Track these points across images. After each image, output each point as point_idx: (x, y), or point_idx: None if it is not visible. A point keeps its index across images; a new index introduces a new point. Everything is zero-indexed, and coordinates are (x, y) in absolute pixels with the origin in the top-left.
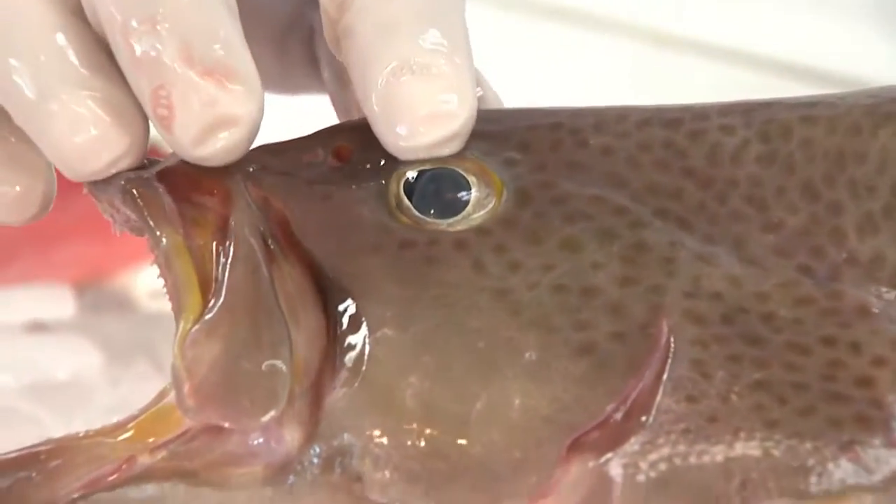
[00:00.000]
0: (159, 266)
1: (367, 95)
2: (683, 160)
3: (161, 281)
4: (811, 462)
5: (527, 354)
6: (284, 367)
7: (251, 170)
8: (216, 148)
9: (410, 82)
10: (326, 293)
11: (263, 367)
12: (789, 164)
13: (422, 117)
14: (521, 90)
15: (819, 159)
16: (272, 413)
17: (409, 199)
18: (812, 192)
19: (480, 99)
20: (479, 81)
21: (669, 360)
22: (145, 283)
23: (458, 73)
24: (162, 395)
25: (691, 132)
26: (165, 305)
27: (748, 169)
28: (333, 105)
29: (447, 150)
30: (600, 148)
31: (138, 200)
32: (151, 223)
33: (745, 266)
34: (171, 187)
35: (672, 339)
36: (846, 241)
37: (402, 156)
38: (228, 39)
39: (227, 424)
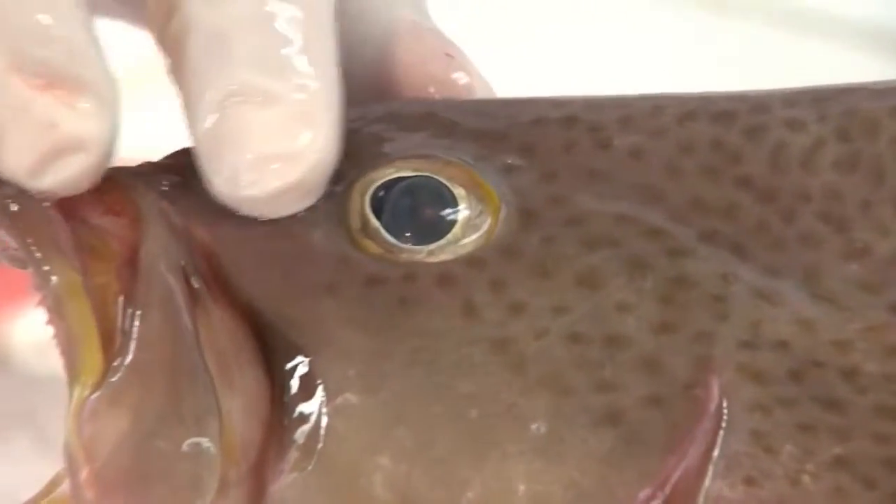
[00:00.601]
0: (47, 310)
1: (192, 131)
2: (738, 166)
3: (48, 330)
4: None
5: (533, 426)
6: (212, 447)
7: (168, 184)
8: (57, 179)
9: (240, 113)
10: (269, 347)
11: (184, 446)
12: (878, 170)
13: (248, 160)
14: (531, 74)
15: None
16: None
17: (378, 218)
18: None
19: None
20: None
21: (721, 432)
22: (26, 333)
23: (310, 99)
24: (53, 483)
25: (748, 128)
26: (54, 363)
27: (823, 177)
28: None
29: (288, 207)
30: (628, 150)
31: (19, 222)
32: (37, 253)
33: (819, 305)
34: (63, 205)
35: (724, 404)
36: None
37: (234, 209)
38: (71, 38)
39: None
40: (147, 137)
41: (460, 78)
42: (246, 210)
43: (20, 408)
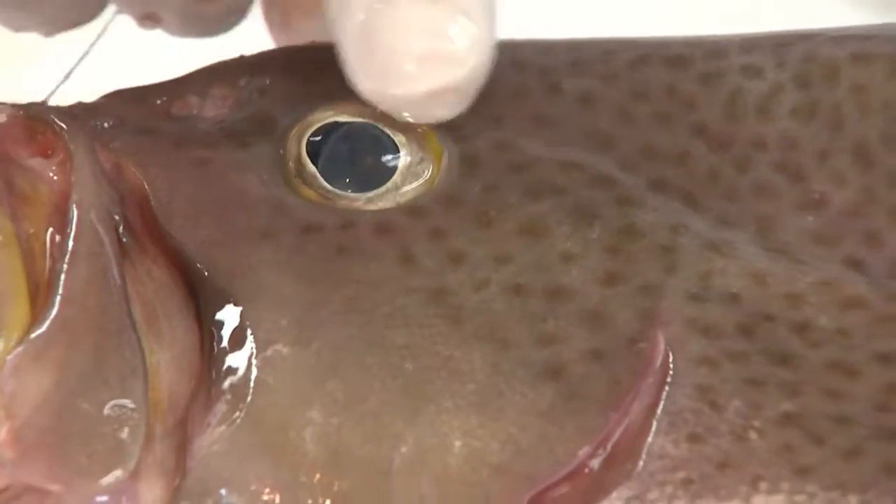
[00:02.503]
0: None
1: (343, 24)
2: (692, 112)
3: None
4: None
5: (470, 379)
6: (136, 409)
7: (100, 125)
8: None
9: (402, 5)
10: (199, 296)
11: (108, 408)
12: (836, 118)
13: (415, 56)
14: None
15: (876, 112)
16: (117, 473)
17: (315, 163)
18: (866, 156)
19: None
20: None
21: (666, 387)
22: None
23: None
24: None
25: (703, 74)
26: None
27: (780, 125)
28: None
29: (441, 112)
30: (578, 95)
31: None
32: None
33: (772, 258)
34: None
35: (670, 358)
36: None
37: (385, 109)
38: None
39: (53, 486)
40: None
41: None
42: (393, 110)
43: None
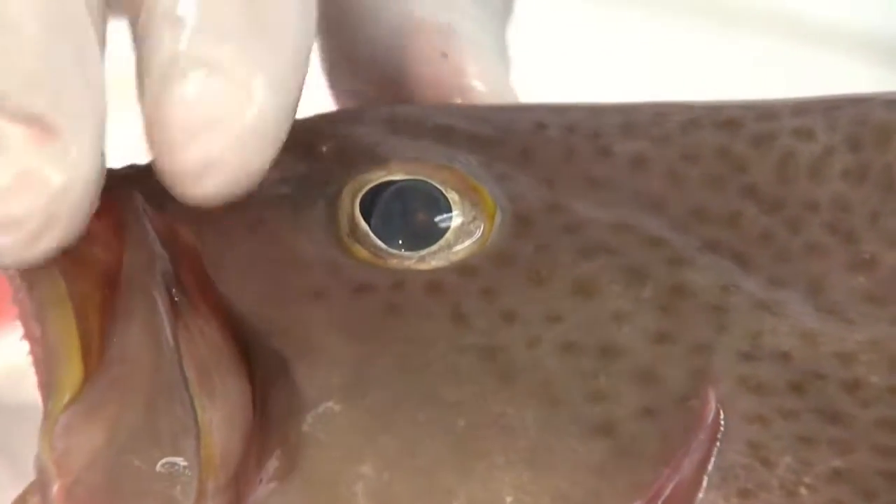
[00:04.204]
0: (26, 320)
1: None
2: (743, 175)
3: (22, 357)
4: None
5: (522, 435)
6: (187, 467)
7: (154, 187)
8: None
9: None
10: (252, 355)
11: (159, 466)
12: (888, 180)
13: (178, 130)
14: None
15: None
16: None
17: (368, 222)
18: None
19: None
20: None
21: (718, 444)
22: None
23: (251, 66)
24: (22, 500)
25: (755, 137)
26: (28, 391)
27: (831, 187)
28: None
29: (202, 190)
30: (630, 158)
31: None
32: None
33: (823, 317)
34: None
35: (721, 415)
36: None
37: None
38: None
39: None
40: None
41: (454, 78)
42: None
43: None
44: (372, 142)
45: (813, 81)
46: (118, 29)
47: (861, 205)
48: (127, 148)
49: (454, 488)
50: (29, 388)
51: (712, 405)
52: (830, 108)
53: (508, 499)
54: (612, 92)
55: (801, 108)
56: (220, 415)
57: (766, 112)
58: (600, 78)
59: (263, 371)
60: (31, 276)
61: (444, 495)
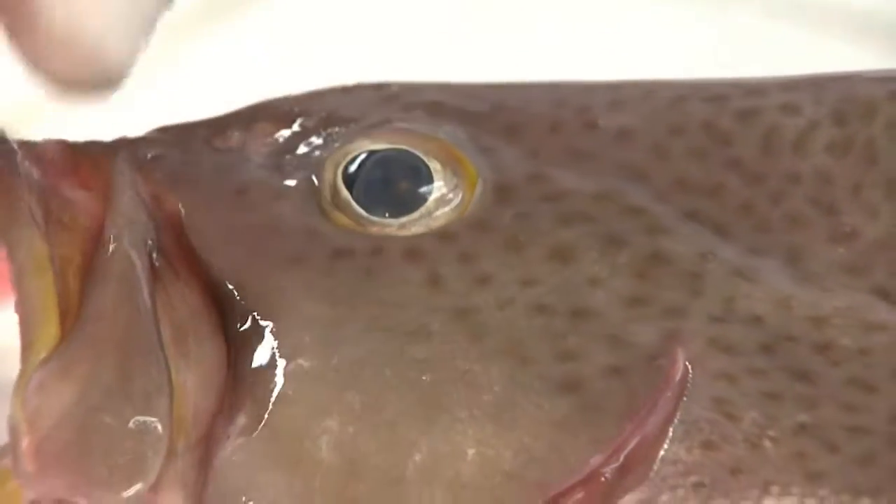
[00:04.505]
0: (13, 285)
1: None
2: (728, 148)
3: (14, 335)
4: None
5: (487, 391)
6: (159, 425)
7: (143, 157)
8: None
9: None
10: (229, 318)
11: (131, 423)
12: (870, 153)
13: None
14: (518, 66)
15: None
16: (137, 486)
17: (350, 190)
18: None
19: None
20: None
21: (684, 399)
22: None
23: None
24: None
25: (741, 112)
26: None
27: (815, 159)
28: None
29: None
30: (615, 131)
31: None
32: (4, 218)
33: (799, 285)
34: (36, 177)
35: (690, 374)
36: None
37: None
38: None
39: (77, 499)
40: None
41: None
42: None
43: None
44: (358, 114)
45: (813, 65)
46: None
47: (844, 177)
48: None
49: (417, 440)
50: (16, 367)
51: (680, 364)
52: (817, 84)
53: (470, 451)
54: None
55: (789, 84)
56: (195, 376)
57: (753, 88)
58: (583, 63)
59: (239, 335)
60: (10, 239)
61: (406, 447)
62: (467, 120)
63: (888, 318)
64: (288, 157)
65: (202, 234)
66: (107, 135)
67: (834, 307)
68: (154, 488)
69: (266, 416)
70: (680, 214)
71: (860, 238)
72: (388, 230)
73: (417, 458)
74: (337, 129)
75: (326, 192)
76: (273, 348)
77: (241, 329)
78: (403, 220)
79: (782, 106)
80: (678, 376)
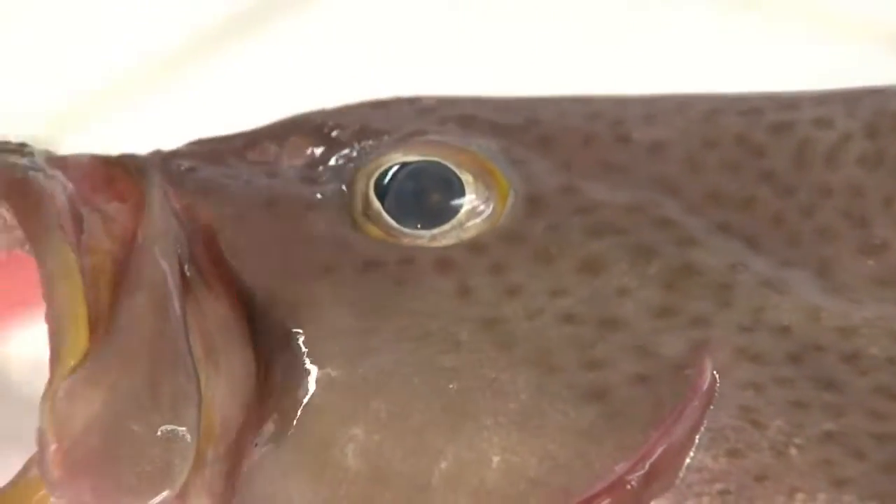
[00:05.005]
0: (44, 296)
1: None
2: (761, 160)
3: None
4: None
5: (514, 399)
6: (187, 434)
7: (176, 169)
8: None
9: None
10: (259, 328)
11: (159, 431)
12: None
13: None
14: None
15: None
16: (164, 494)
17: (382, 202)
18: None
19: None
20: None
21: (711, 408)
22: (22, 348)
23: None
24: (27, 467)
25: (774, 125)
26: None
27: (846, 172)
28: None
29: None
30: (648, 144)
31: (22, 198)
32: (35, 228)
33: (828, 296)
34: (69, 188)
35: (717, 383)
36: None
37: None
38: None
39: None
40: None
41: None
42: None
43: (15, 429)
44: (391, 127)
45: (840, 75)
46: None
47: (875, 190)
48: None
49: (443, 448)
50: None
51: (707, 374)
52: (850, 98)
53: (496, 458)
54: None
55: (822, 98)
56: (224, 386)
57: (787, 102)
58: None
59: (269, 345)
60: (40, 249)
61: (432, 455)
62: (500, 132)
63: None
64: (320, 168)
65: (233, 244)
66: (138, 146)
67: (862, 317)
68: (181, 496)
69: (294, 425)
70: (711, 226)
71: (890, 250)
72: (419, 241)
73: (443, 465)
74: (370, 141)
75: (358, 204)
76: (302, 358)
77: (271, 339)
78: (435, 231)
79: (815, 120)
80: (705, 385)
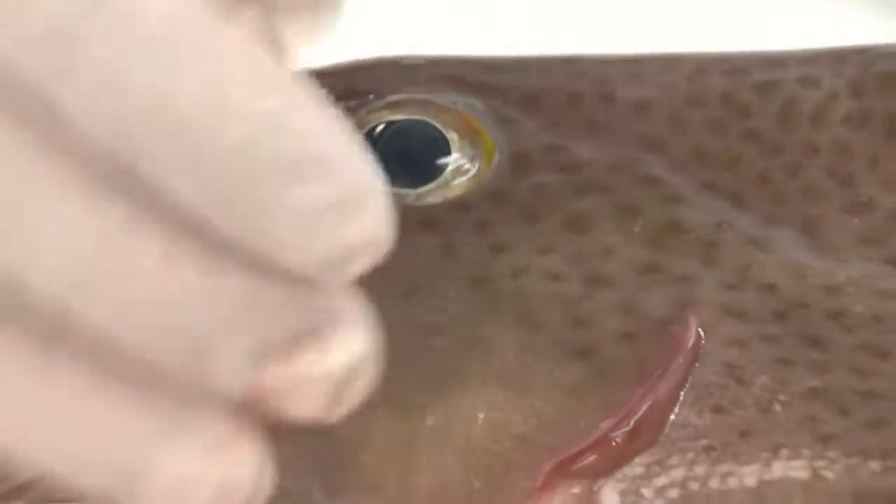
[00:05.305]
0: None
1: None
2: (746, 120)
3: None
4: (878, 485)
5: (500, 357)
6: None
7: None
8: None
9: None
10: None
11: None
12: (889, 125)
13: None
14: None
15: None
16: None
17: None
18: None
19: None
20: None
21: (696, 365)
22: None
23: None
24: None
25: (761, 84)
26: None
27: (832, 131)
28: None
29: None
30: (634, 103)
31: None
32: None
33: (814, 255)
34: None
35: (702, 340)
36: None
37: None
38: None
39: None
40: None
41: None
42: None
43: None
44: (377, 86)
45: (827, 35)
46: None
47: (861, 149)
48: None
49: (429, 405)
50: None
51: (693, 331)
52: (836, 57)
53: (480, 415)
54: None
55: (809, 58)
56: None
57: (773, 61)
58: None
59: None
60: None
61: (419, 412)
62: (487, 92)
63: None
64: None
65: None
66: None
67: (847, 276)
68: None
69: None
70: (697, 185)
71: (876, 209)
72: (405, 200)
73: (429, 421)
74: (357, 101)
75: None
76: None
77: None
78: (421, 189)
79: (801, 79)
80: (690, 342)
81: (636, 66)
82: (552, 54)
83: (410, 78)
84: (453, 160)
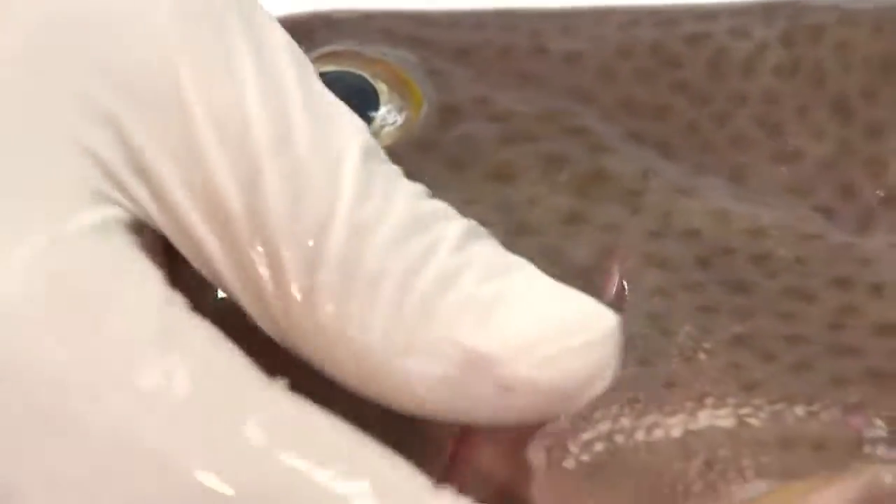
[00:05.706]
0: None
1: None
2: (675, 70)
3: None
4: (803, 430)
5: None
6: None
7: None
8: None
9: None
10: None
11: None
12: (818, 74)
13: None
14: None
15: (858, 67)
16: None
17: None
18: (845, 110)
19: None
20: None
21: (619, 316)
22: None
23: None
24: None
25: (691, 35)
26: None
27: (761, 81)
28: None
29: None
30: (563, 55)
31: None
32: None
33: (740, 202)
34: None
35: (625, 290)
36: (885, 174)
37: None
38: None
39: None
40: None
41: None
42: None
43: None
44: (311, 40)
45: None
46: None
47: (790, 99)
48: None
49: None
50: None
51: (615, 280)
52: (768, 8)
53: None
54: None
55: (740, 9)
56: None
57: (704, 13)
58: None
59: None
60: None
61: None
62: (419, 45)
63: (825, 229)
64: None
65: None
66: None
67: (771, 219)
68: None
69: None
70: (625, 135)
71: (804, 158)
72: None
73: None
74: None
75: None
76: None
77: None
78: None
79: (732, 29)
80: (613, 292)
81: (568, 19)
82: (485, 8)
83: (342, 31)
84: (382, 110)
